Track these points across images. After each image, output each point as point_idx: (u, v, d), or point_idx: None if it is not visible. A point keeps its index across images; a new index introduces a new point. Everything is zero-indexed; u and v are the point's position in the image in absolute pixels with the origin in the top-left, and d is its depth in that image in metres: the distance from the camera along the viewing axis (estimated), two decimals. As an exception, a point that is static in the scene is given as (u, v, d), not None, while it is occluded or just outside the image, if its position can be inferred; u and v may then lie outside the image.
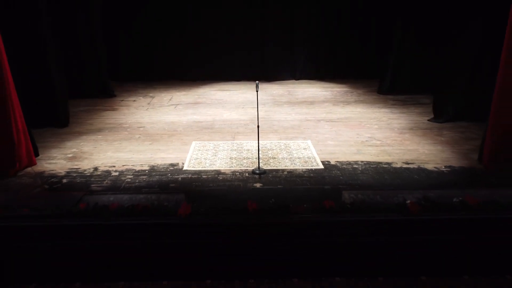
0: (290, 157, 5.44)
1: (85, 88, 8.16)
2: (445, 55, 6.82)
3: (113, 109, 7.72)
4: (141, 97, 8.52)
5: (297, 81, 9.74)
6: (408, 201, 4.14)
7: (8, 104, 4.80)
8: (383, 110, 7.59)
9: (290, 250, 4.16)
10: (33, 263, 4.14)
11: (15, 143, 4.95)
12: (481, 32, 6.10)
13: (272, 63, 9.62)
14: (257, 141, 5.03)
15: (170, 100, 8.29)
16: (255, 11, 9.44)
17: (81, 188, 4.67)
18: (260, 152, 5.33)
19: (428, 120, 6.96)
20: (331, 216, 4.05)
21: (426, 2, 7.73)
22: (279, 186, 4.63)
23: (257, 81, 4.76)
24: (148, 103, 8.09)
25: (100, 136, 6.32)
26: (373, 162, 5.34)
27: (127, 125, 6.82)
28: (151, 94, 8.70)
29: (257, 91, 4.71)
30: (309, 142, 5.99)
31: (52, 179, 4.90)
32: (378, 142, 6.03)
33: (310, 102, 8.08)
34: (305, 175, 4.95)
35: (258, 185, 4.70)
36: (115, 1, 9.16)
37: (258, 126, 4.93)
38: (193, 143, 5.97)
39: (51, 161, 5.42)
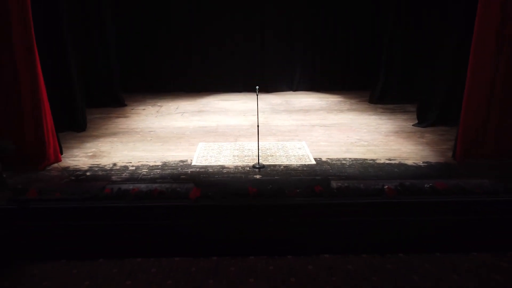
0: (286, 155, 6.21)
1: (99, 98, 8.98)
2: (428, 68, 7.68)
3: (125, 117, 8.54)
4: (150, 106, 9.35)
5: (294, 92, 10.58)
6: (386, 186, 4.90)
7: (42, 108, 5.61)
8: (372, 117, 8.39)
9: (285, 229, 4.89)
10: (62, 241, 4.87)
11: (46, 141, 5.74)
12: (456, 47, 6.93)
13: (271, 76, 10.47)
14: (257, 142, 5.81)
15: (177, 108, 9.11)
16: (255, 28, 10.34)
17: (103, 179, 5.44)
18: (259, 151, 6.09)
19: (412, 125, 7.75)
20: (320, 199, 4.80)
21: (411, 22, 8.63)
22: (276, 177, 5.39)
23: (257, 86, 5.58)
24: (157, 111, 8.91)
25: (116, 139, 7.12)
26: (360, 159, 6.11)
27: (139, 130, 7.62)
28: (159, 104, 9.53)
29: (257, 94, 5.52)
30: (303, 143, 6.76)
31: (77, 172, 5.67)
32: (366, 143, 6.81)
33: (306, 110, 8.90)
34: (299, 169, 5.71)
35: (257, 176, 5.46)
36: (124, 18, 10.06)
37: (258, 126, 5.72)
38: (200, 144, 6.75)
39: (74, 158, 6.20)
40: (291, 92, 10.60)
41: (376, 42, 9.73)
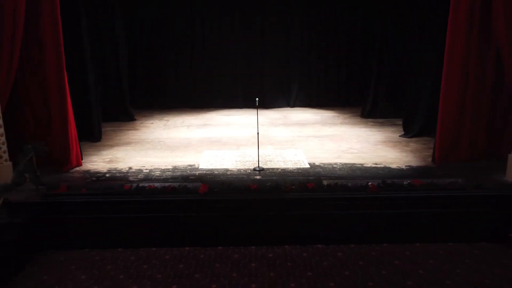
0: (284, 160, 7.00)
1: (111, 112, 9.82)
2: (412, 85, 8.58)
3: (135, 129, 9.36)
4: (157, 120, 10.18)
5: (292, 108, 11.44)
6: (370, 183, 5.67)
7: (68, 118, 6.44)
8: (363, 129, 9.22)
9: (282, 221, 5.64)
10: (85, 232, 5.60)
11: (70, 147, 6.53)
12: (435, 67, 7.78)
13: (270, 93, 11.34)
14: (257, 149, 6.60)
15: (182, 122, 9.94)
16: (255, 49, 11.27)
17: (121, 179, 6.21)
18: (259, 156, 6.87)
19: (399, 136, 8.57)
20: (313, 194, 5.57)
21: (397, 46, 9.60)
22: (274, 178, 6.17)
23: (257, 98, 6.43)
24: (164, 125, 9.74)
25: (129, 147, 7.91)
26: (349, 163, 6.90)
27: (149, 140, 8.42)
28: (166, 118, 10.37)
29: (257, 105, 6.37)
30: (299, 150, 7.56)
31: (97, 174, 6.44)
32: (355, 150, 7.62)
33: (302, 124, 9.74)
34: (295, 171, 6.50)
35: (258, 177, 6.24)
36: (132, 39, 11.00)
37: (257, 133, 6.54)
38: (205, 151, 7.55)
39: (93, 163, 6.98)
40: (288, 108, 11.46)
41: (367, 63, 10.68)
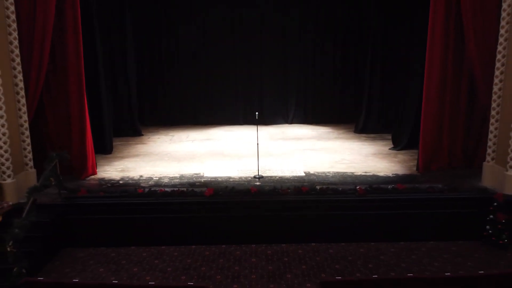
0: (281, 169, 7.74)
1: (120, 128, 10.60)
2: (400, 103, 9.40)
3: (143, 143, 10.12)
4: (163, 136, 10.95)
5: (289, 124, 12.22)
6: (358, 187, 6.40)
7: (86, 130, 7.22)
8: (356, 143, 9.98)
9: (279, 222, 6.33)
10: (102, 231, 6.29)
11: (87, 157, 7.29)
12: (420, 86, 8.58)
13: (269, 110, 12.14)
14: (257, 159, 7.34)
15: (187, 137, 10.71)
16: (255, 70, 12.12)
17: (134, 185, 6.93)
18: (259, 166, 7.59)
19: (389, 149, 9.32)
20: (306, 197, 6.29)
21: (385, 70, 10.49)
22: (272, 183, 6.89)
23: (256, 112, 7.23)
24: (170, 139, 10.51)
25: (138, 159, 8.66)
26: (341, 172, 7.63)
27: (157, 153, 9.17)
28: (171, 134, 11.14)
29: (256, 118, 7.17)
30: (296, 161, 8.31)
31: (112, 181, 7.17)
32: (347, 161, 8.36)
33: (299, 138, 10.51)
34: (291, 178, 7.23)
35: (257, 183, 6.96)
36: (140, 60, 11.88)
37: (257, 144, 7.31)
38: (209, 161, 8.29)
39: (107, 172, 7.72)
40: (286, 124, 12.25)
41: (359, 83, 11.55)
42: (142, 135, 10.97)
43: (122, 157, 8.80)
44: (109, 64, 10.02)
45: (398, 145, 9.28)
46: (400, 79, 9.55)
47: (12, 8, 6.17)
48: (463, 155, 7.57)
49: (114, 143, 9.62)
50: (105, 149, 8.96)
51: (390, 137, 10.06)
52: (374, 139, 10.37)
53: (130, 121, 10.88)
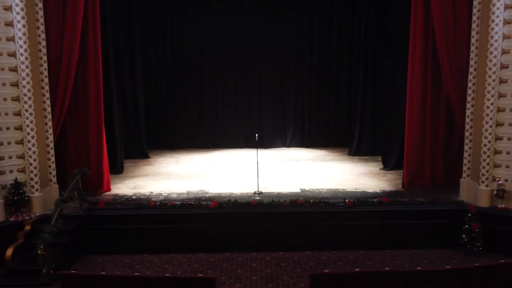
0: (279, 187, 8.63)
1: (129, 150, 11.55)
2: (389, 127, 10.40)
3: (151, 164, 11.05)
4: (169, 158, 11.89)
5: (287, 147, 13.17)
6: (346, 200, 7.29)
7: (102, 150, 8.17)
8: (349, 164, 10.91)
9: (277, 231, 7.19)
10: (118, 239, 7.14)
11: (103, 174, 8.21)
12: (404, 111, 9.58)
13: (268, 135, 13.11)
14: (257, 178, 8.25)
15: (191, 159, 11.64)
16: (254, 98, 13.17)
17: (145, 200, 7.81)
18: (259, 183, 8.47)
19: (379, 169, 10.25)
20: (301, 208, 7.17)
21: (375, 99, 11.56)
22: (270, 198, 7.78)
23: (256, 134, 8.20)
24: (175, 161, 11.44)
25: (148, 178, 9.57)
26: (333, 188, 8.53)
27: (164, 172, 10.09)
28: (176, 156, 12.08)
29: (256, 140, 8.13)
30: (292, 180, 9.22)
31: (125, 196, 8.06)
32: (340, 180, 9.25)
33: (296, 160, 11.45)
34: (288, 194, 8.12)
35: (257, 198, 7.85)
36: (148, 88, 12.96)
37: (257, 163, 8.24)
38: (213, 180, 9.20)
39: (120, 189, 8.61)
40: (284, 148, 13.21)
41: (352, 109, 12.59)
42: (149, 157, 11.91)
43: (132, 176, 9.71)
44: (120, 91, 11.09)
45: (387, 165, 10.21)
46: (388, 105, 10.59)
47: (44, 50, 7.27)
48: (444, 173, 8.49)
49: (124, 164, 10.55)
50: (117, 169, 9.88)
51: (380, 159, 11.00)
52: (366, 160, 11.31)
53: (138, 144, 11.85)
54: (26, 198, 6.91)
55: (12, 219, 6.79)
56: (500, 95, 7.03)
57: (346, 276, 4.99)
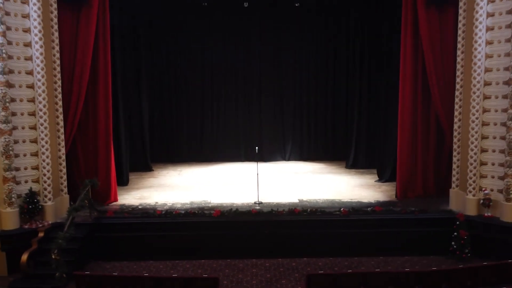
0: (278, 197, 9.11)
1: (133, 164, 12.04)
2: (384, 141, 10.92)
3: (155, 177, 11.54)
4: (172, 171, 12.38)
5: (287, 161, 13.69)
6: (342, 209, 7.76)
7: (111, 163, 8.69)
8: (346, 176, 11.40)
9: (275, 239, 7.63)
10: (125, 247, 7.58)
11: (111, 185, 8.70)
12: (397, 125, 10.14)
13: (267, 148, 13.64)
14: (257, 190, 8.73)
15: (194, 172, 12.13)
16: (254, 113, 13.73)
17: (151, 209, 8.28)
18: (259, 194, 8.94)
19: (375, 181, 10.73)
20: (299, 217, 7.63)
21: (370, 115, 12.12)
22: (270, 207, 8.25)
23: (257, 147, 8.72)
24: (178, 174, 11.93)
25: (152, 189, 10.05)
26: (330, 199, 9.00)
27: (168, 184, 10.57)
28: (179, 169, 12.57)
29: (257, 152, 8.64)
30: (291, 191, 9.70)
31: (132, 206, 8.53)
32: (337, 191, 9.73)
33: (295, 172, 11.94)
34: (286, 204, 8.58)
35: (257, 207, 8.32)
36: (152, 105, 13.54)
37: (257, 174, 8.73)
38: (215, 191, 9.68)
39: (126, 200, 9.08)
40: (284, 161, 13.71)
41: (349, 123, 13.14)
42: (153, 170, 12.40)
43: (137, 188, 10.19)
44: (126, 108, 11.66)
45: (382, 178, 10.70)
46: (382, 121, 11.14)
47: (58, 69, 7.86)
48: (435, 184, 8.98)
49: (129, 177, 11.04)
50: (122, 181, 10.36)
51: (376, 171, 11.48)
52: (362, 173, 11.80)
53: (143, 158, 12.36)
54: (40, 207, 7.38)
55: (26, 226, 7.25)
56: (484, 110, 7.57)
57: (339, 276, 5.44)
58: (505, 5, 7.17)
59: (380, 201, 8.84)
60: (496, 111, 7.44)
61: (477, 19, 7.45)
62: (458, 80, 8.09)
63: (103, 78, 8.54)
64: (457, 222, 7.49)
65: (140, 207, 8.52)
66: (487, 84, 7.50)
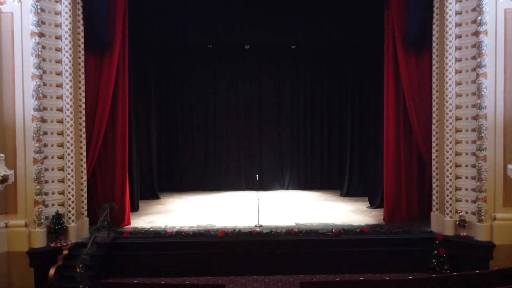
0: (277, 221, 10.10)
1: (142, 192, 13.07)
2: (373, 171, 12.03)
3: (162, 204, 12.55)
4: (177, 199, 13.39)
5: (285, 190, 14.75)
6: (333, 230, 8.77)
7: (126, 189, 9.75)
8: (340, 204, 12.40)
9: (274, 257, 8.59)
10: (139, 264, 8.52)
11: (125, 210, 9.72)
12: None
13: (267, 178, 14.72)
14: (257, 214, 9.73)
15: (198, 200, 13.16)
16: (254, 146, 14.90)
17: (162, 230, 9.26)
18: (259, 218, 9.93)
19: (366, 207, 11.75)
20: (295, 237, 8.63)
21: (362, 145, 13.28)
22: (269, 229, 9.24)
23: (257, 174, 9.81)
24: (184, 201, 12.93)
25: (161, 215, 11.05)
26: (324, 222, 9.99)
27: (175, 210, 11.57)
28: (184, 197, 13.59)
29: (257, 179, 9.72)
30: (288, 216, 10.70)
31: (144, 229, 9.51)
32: (330, 216, 10.74)
33: (293, 200, 12.96)
34: (284, 226, 9.57)
35: (258, 229, 9.31)
36: (158, 138, 14.73)
37: (258, 199, 9.77)
38: (220, 216, 10.68)
39: (138, 223, 10.07)
40: (282, 190, 14.76)
41: (343, 156, 14.27)
42: (160, 198, 13.43)
43: (147, 213, 11.20)
44: (137, 141, 12.83)
45: (373, 204, 11.73)
46: (372, 153, 12.28)
47: (84, 106, 9.07)
48: (419, 208, 10.02)
49: (139, 204, 12.05)
50: (133, 207, 11.36)
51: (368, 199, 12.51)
52: (356, 201, 12.82)
53: (151, 187, 13.42)
54: (64, 228, 8.38)
55: (52, 245, 8.22)
56: (457, 142, 8.71)
57: (329, 284, 6.41)
58: (470, 52, 8.46)
59: (370, 224, 9.84)
60: (467, 142, 8.59)
61: (447, 64, 8.73)
62: (434, 115, 9.28)
63: (121, 116, 9.74)
64: (437, 242, 8.47)
65: (151, 229, 9.50)
66: (458, 119, 8.68)
